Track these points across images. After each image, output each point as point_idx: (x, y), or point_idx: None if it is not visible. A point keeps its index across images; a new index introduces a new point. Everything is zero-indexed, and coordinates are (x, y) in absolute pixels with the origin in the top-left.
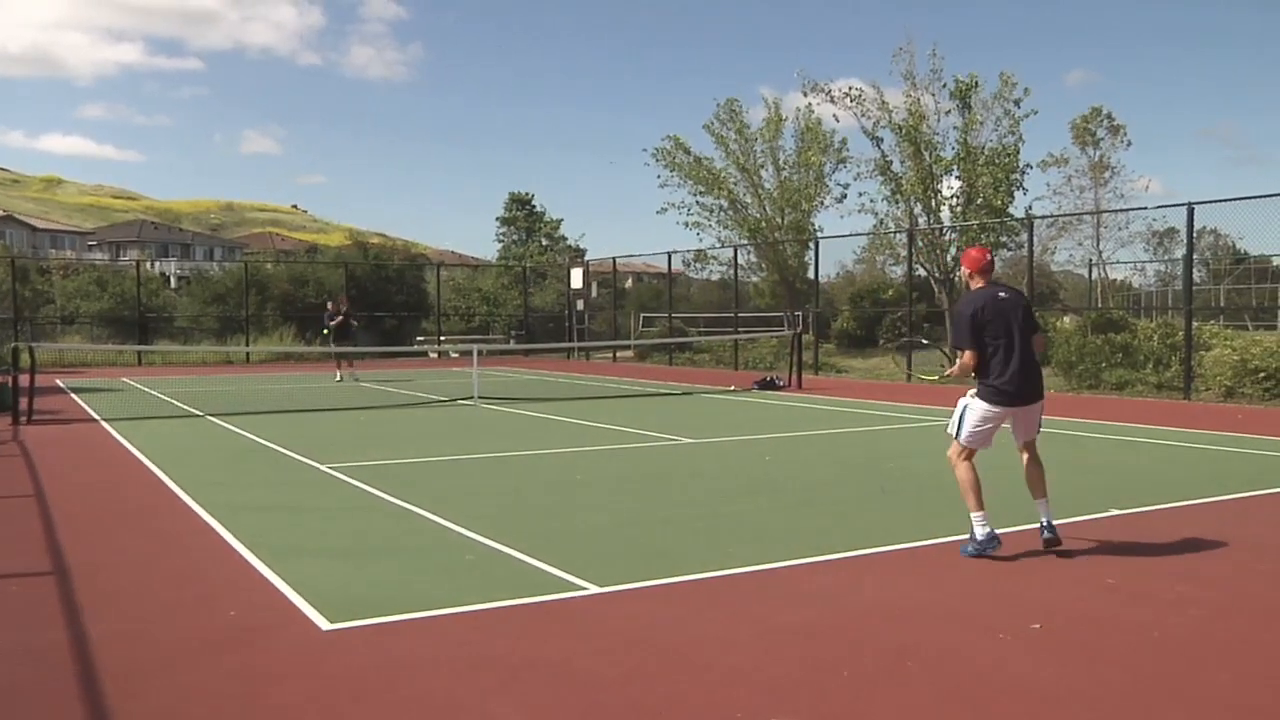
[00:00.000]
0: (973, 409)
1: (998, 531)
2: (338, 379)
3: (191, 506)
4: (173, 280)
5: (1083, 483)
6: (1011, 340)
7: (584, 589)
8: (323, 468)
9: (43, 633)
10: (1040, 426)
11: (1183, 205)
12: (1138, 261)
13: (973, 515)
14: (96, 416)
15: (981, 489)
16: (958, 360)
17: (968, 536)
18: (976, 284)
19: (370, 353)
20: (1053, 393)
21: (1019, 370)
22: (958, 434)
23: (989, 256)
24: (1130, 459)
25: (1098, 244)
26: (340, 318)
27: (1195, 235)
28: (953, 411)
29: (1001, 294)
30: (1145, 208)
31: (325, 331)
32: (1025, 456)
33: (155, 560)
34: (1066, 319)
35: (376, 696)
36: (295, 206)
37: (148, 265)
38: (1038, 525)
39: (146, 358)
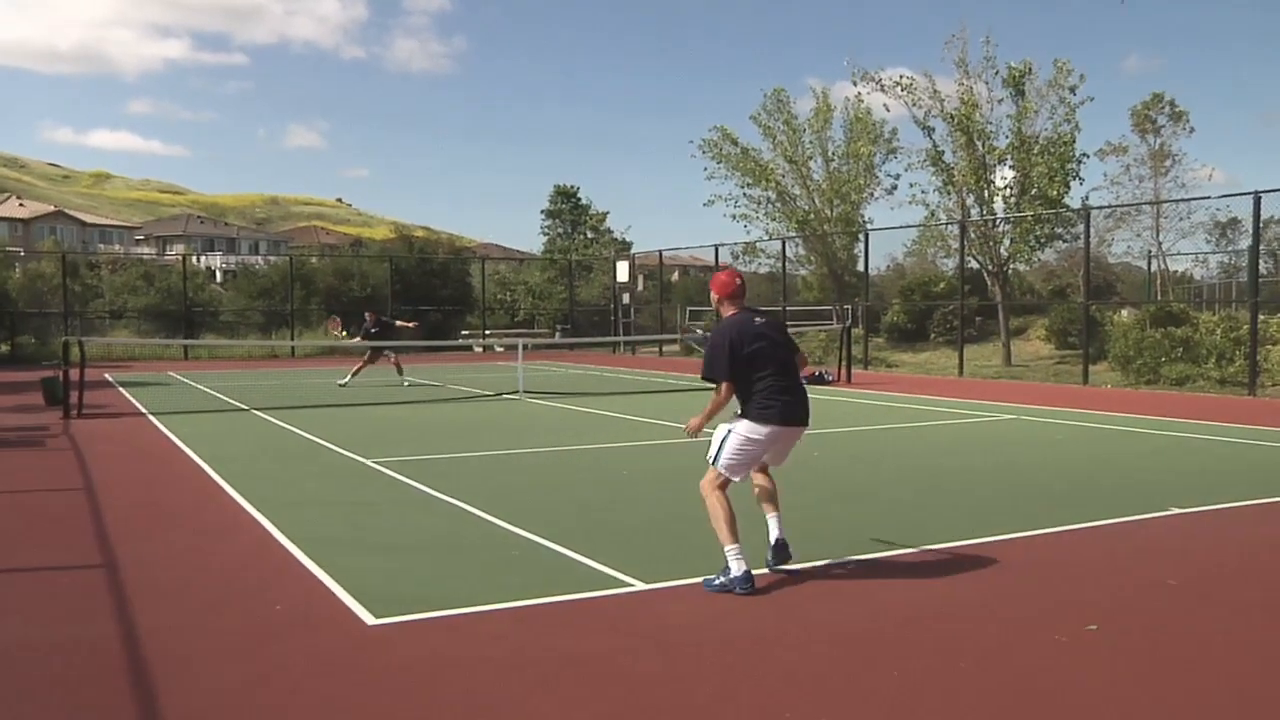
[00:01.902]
0: (736, 433)
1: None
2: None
3: (237, 500)
4: (218, 274)
5: (1142, 480)
6: (777, 365)
7: (630, 585)
8: (368, 462)
9: (93, 624)
10: (788, 457)
11: (1248, 194)
12: (1200, 253)
13: (727, 549)
14: (144, 410)
15: (736, 521)
16: (712, 397)
17: (720, 571)
18: (728, 310)
19: (414, 347)
20: (1109, 388)
21: (788, 392)
22: (715, 460)
23: (739, 280)
24: (1192, 456)
25: (1157, 235)
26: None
27: (1261, 225)
28: (716, 440)
29: (757, 319)
30: (1208, 197)
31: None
32: (760, 476)
33: (202, 553)
34: (1124, 312)
35: (420, 692)
36: (339, 200)
37: (194, 259)
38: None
39: (192, 352)
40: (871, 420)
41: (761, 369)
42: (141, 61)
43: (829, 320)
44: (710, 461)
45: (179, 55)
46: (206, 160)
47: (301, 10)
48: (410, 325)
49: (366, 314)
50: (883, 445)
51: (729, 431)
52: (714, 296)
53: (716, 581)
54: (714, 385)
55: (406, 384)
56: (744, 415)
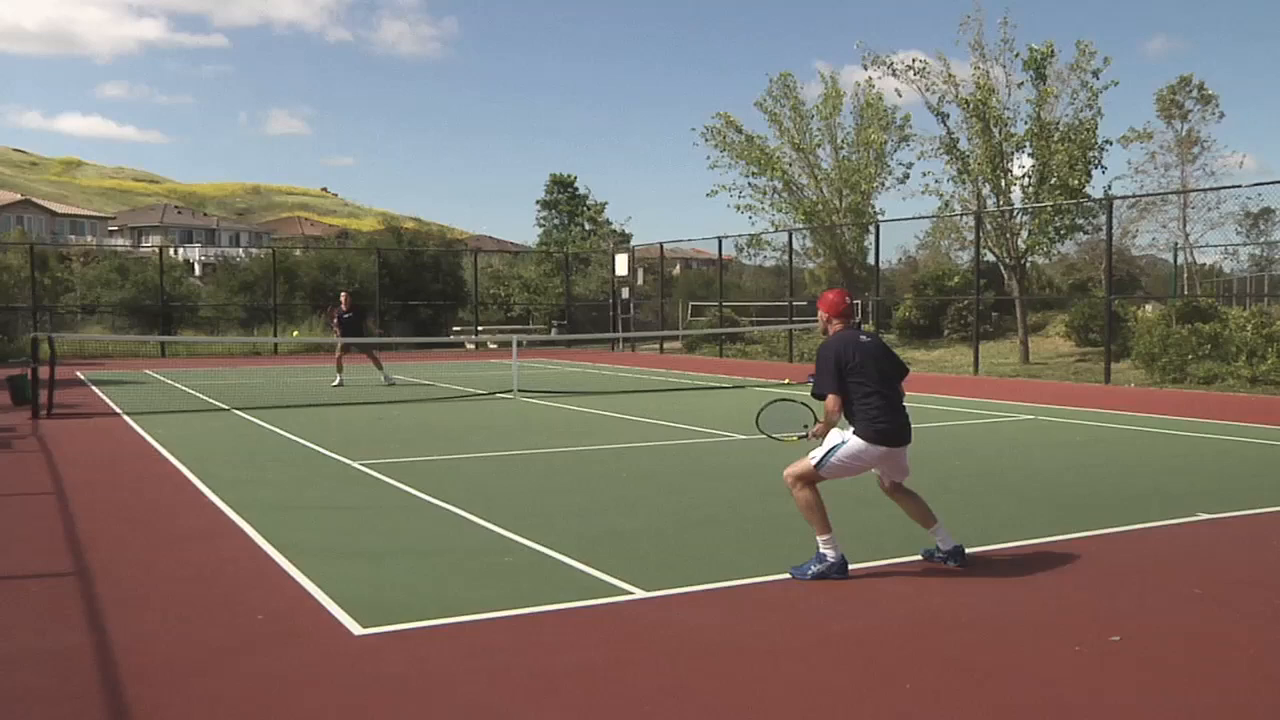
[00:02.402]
0: (850, 444)
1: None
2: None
3: (217, 504)
4: (197, 267)
5: (1167, 484)
6: (883, 382)
7: (629, 593)
8: (355, 465)
9: (63, 635)
10: (909, 469)
11: None
12: (1229, 245)
13: (821, 538)
14: (118, 410)
15: (826, 511)
16: (823, 411)
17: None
18: (836, 327)
19: (405, 344)
20: (1133, 386)
21: (896, 411)
22: (820, 464)
23: (848, 299)
24: (1220, 459)
25: (1184, 226)
26: (350, 314)
27: None
28: (828, 444)
29: (863, 337)
30: (1239, 186)
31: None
32: (899, 495)
33: (180, 560)
34: (1149, 307)
35: (410, 706)
36: (325, 190)
37: (171, 251)
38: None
39: (170, 349)
40: None
41: (868, 385)
42: (114, 42)
43: None
44: (814, 462)
45: (154, 36)
46: (184, 147)
47: None
48: (377, 332)
49: (342, 295)
50: None
51: (843, 441)
52: (822, 315)
53: (811, 570)
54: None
55: (387, 382)
56: (857, 432)
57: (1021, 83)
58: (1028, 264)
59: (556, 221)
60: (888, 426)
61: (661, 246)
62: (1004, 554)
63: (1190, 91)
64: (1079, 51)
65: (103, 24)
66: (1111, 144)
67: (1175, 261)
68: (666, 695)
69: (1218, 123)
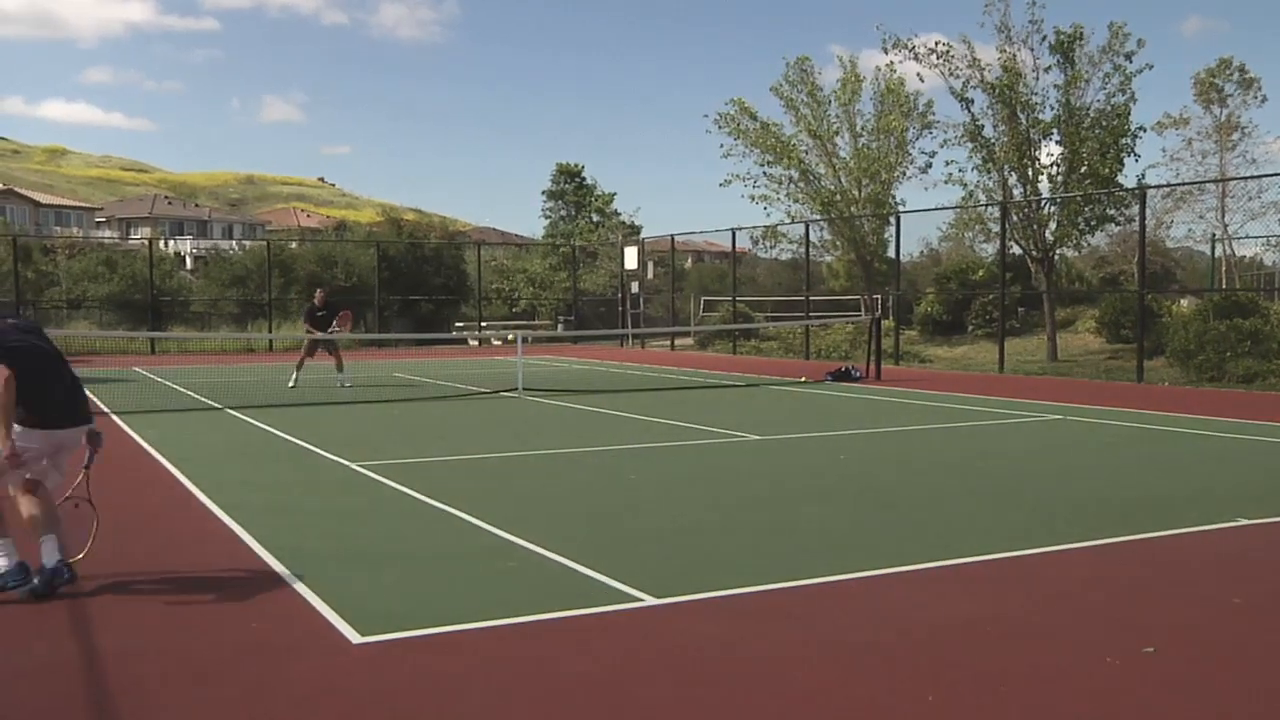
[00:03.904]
0: (25, 438)
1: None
2: (291, 384)
3: (210, 508)
4: (188, 260)
5: (1205, 488)
6: (51, 364)
7: (639, 600)
8: (353, 466)
9: (49, 647)
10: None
11: None
12: (1271, 235)
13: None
14: (106, 409)
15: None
16: None
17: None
18: None
19: (406, 340)
20: (1167, 385)
21: (69, 392)
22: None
23: None
24: (1261, 461)
25: (1222, 216)
26: (324, 312)
27: None
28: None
29: (10, 319)
30: None
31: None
32: (33, 496)
33: (170, 567)
34: (1184, 302)
35: (411, 718)
36: (321, 179)
37: (161, 244)
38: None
39: (160, 345)
40: (903, 421)
41: (31, 367)
42: (100, 25)
43: (857, 311)
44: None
45: (142, 19)
46: (174, 135)
47: None
48: (343, 327)
49: (318, 291)
50: (915, 448)
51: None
52: None
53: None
54: None
55: (346, 385)
56: (25, 421)
57: (1049, 67)
58: (1056, 257)
59: (563, 213)
60: (64, 409)
61: (672, 239)
62: (1032, 560)
63: (1230, 74)
64: (1111, 33)
65: (87, 6)
66: (1145, 130)
67: (1213, 254)
68: (677, 707)
69: (1259, 107)
